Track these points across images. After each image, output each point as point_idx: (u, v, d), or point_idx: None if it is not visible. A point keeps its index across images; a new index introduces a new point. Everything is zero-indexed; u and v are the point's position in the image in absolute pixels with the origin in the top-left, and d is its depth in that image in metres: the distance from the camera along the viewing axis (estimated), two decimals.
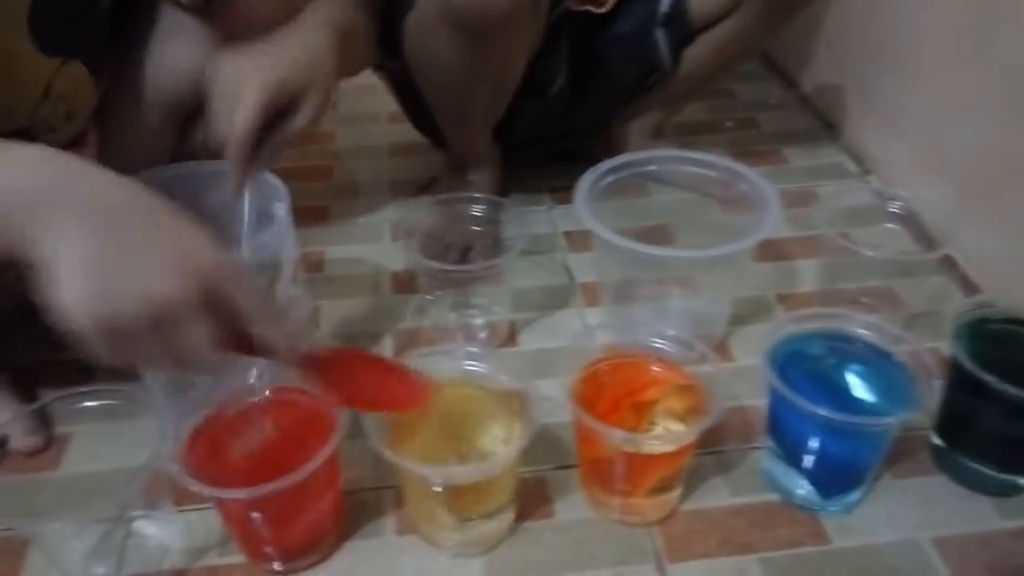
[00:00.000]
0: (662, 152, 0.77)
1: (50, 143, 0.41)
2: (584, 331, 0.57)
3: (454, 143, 0.88)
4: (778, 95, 1.19)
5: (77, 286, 0.35)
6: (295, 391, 0.55)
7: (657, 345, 0.59)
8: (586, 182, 0.71)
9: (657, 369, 0.59)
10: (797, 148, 1.05)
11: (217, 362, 0.41)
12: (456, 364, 0.58)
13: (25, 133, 0.58)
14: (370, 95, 1.21)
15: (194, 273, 0.38)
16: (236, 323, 0.41)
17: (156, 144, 0.71)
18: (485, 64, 0.74)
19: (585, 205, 0.68)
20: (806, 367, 0.59)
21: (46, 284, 0.36)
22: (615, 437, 0.53)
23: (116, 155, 0.67)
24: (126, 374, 0.61)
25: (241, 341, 0.42)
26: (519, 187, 0.95)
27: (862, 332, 0.59)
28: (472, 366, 0.58)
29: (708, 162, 0.74)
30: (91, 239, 0.36)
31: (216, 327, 0.40)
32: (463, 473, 0.53)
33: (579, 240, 0.88)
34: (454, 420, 0.56)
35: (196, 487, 0.48)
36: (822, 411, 0.52)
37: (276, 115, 0.57)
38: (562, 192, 0.91)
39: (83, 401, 0.56)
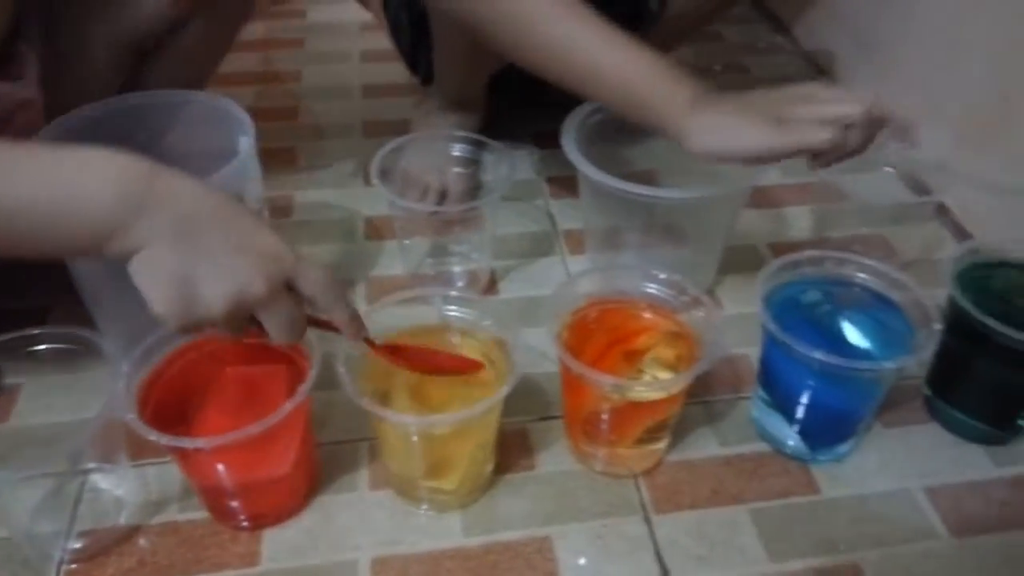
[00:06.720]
0: None
1: None
2: (569, 277, 0.54)
3: (448, 81, 0.82)
4: (767, 39, 1.15)
5: (163, 295, 0.40)
6: (259, 338, 0.50)
7: (648, 290, 0.56)
8: (574, 122, 0.67)
9: (647, 315, 0.56)
10: None
11: (300, 334, 0.45)
12: (435, 311, 0.55)
13: None
14: (338, 34, 1.15)
15: (269, 274, 0.42)
16: (311, 307, 0.45)
17: (108, 82, 0.66)
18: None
19: (573, 144, 0.64)
20: (801, 314, 0.56)
21: (137, 285, 0.40)
22: (604, 384, 0.50)
23: (65, 88, 0.62)
24: (77, 321, 0.57)
25: (314, 319, 0.47)
26: (501, 132, 0.90)
27: (860, 276, 0.57)
28: (453, 312, 0.55)
29: None
30: (175, 249, 0.40)
31: (295, 310, 0.44)
32: (442, 420, 0.50)
33: (562, 186, 0.84)
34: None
35: (154, 436, 0.44)
36: (818, 355, 0.50)
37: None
38: (545, 138, 0.87)
39: (31, 346, 0.51)
